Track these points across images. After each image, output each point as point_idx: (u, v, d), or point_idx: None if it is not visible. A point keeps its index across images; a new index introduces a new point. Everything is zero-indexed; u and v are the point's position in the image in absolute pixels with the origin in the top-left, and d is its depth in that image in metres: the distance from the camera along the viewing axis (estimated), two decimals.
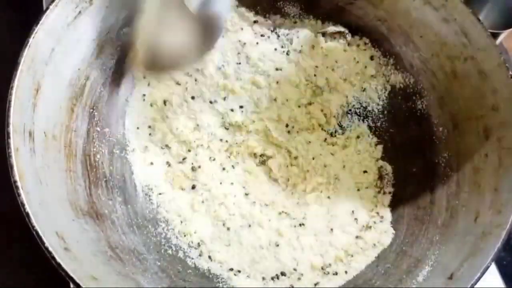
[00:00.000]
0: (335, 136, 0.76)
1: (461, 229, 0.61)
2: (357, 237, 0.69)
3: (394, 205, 0.72)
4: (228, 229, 0.67)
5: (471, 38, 0.64)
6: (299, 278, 0.65)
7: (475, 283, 0.52)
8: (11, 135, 0.50)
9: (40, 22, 0.55)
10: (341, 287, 0.64)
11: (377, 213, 0.71)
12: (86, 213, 0.58)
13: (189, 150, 0.71)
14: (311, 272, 0.65)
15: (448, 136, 0.70)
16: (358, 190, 0.73)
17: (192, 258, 0.65)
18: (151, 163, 0.71)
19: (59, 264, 0.47)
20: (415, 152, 0.72)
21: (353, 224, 0.70)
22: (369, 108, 0.77)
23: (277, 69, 0.74)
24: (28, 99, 0.54)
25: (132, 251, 0.60)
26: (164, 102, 0.71)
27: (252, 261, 0.65)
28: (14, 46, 0.55)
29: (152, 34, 0.60)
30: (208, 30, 0.64)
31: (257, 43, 0.74)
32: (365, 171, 0.74)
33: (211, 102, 0.73)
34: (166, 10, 0.59)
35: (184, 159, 0.71)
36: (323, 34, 0.75)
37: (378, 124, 0.77)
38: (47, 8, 0.57)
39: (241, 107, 0.74)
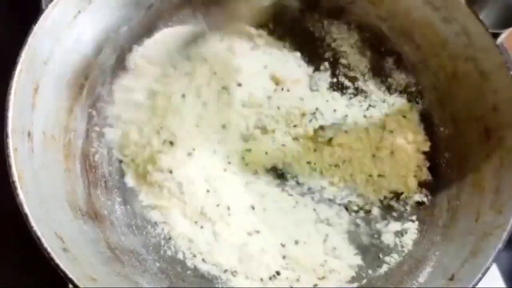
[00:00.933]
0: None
1: (462, 229, 0.61)
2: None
3: None
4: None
5: (472, 38, 0.64)
6: (297, 279, 0.64)
7: (476, 283, 0.52)
8: (9, 135, 0.50)
9: (39, 22, 0.55)
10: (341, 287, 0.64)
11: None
12: (85, 213, 0.58)
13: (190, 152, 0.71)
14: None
15: (448, 136, 0.69)
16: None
17: (191, 259, 0.65)
18: None
19: (57, 265, 0.47)
20: None
21: None
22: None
23: None
24: (27, 99, 0.54)
25: (131, 251, 0.60)
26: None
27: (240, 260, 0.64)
28: (13, 46, 0.55)
29: None
30: None
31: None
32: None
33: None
34: None
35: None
36: None
37: None
38: (46, 8, 0.57)
39: None
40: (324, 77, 0.76)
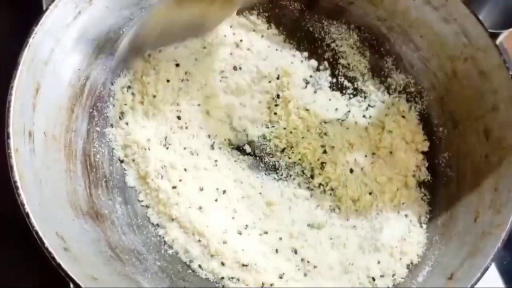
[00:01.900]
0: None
1: (461, 229, 0.61)
2: None
3: None
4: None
5: (471, 38, 0.64)
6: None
7: (475, 283, 0.52)
8: (11, 136, 0.50)
9: (40, 22, 0.56)
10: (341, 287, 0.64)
11: None
12: (86, 213, 0.58)
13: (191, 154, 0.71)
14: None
15: (448, 136, 0.70)
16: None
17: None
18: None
19: (59, 264, 0.47)
20: None
21: None
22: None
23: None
24: (28, 99, 0.54)
25: (132, 251, 0.60)
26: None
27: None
28: (14, 46, 0.55)
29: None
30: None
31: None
32: None
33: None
34: None
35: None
36: None
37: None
38: (47, 9, 0.57)
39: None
40: (324, 76, 0.77)
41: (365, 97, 0.76)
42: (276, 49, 0.76)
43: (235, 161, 0.71)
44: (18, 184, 0.48)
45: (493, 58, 0.62)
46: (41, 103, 0.55)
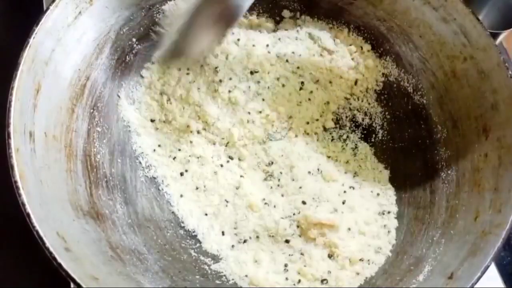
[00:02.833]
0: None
1: (461, 228, 0.61)
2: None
3: None
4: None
5: (471, 38, 0.65)
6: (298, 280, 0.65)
7: (475, 282, 0.52)
8: (11, 136, 0.50)
9: (40, 22, 0.56)
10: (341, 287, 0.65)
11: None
12: (86, 213, 0.58)
13: (191, 141, 0.71)
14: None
15: (447, 136, 0.70)
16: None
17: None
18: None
19: (60, 264, 0.47)
20: (415, 152, 0.73)
21: None
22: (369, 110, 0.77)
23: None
24: (28, 100, 0.54)
25: (132, 251, 0.60)
26: (167, 98, 0.71)
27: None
28: (14, 46, 0.55)
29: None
30: (223, 17, 0.65)
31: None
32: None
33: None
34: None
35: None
36: None
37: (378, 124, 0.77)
38: (47, 9, 0.57)
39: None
40: None
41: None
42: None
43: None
44: (19, 184, 0.49)
45: (492, 57, 0.62)
46: (42, 103, 0.55)
